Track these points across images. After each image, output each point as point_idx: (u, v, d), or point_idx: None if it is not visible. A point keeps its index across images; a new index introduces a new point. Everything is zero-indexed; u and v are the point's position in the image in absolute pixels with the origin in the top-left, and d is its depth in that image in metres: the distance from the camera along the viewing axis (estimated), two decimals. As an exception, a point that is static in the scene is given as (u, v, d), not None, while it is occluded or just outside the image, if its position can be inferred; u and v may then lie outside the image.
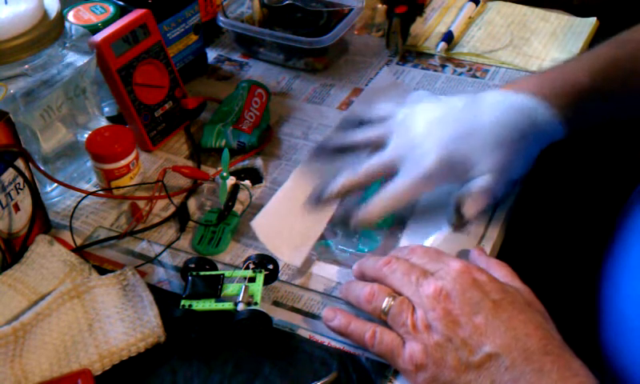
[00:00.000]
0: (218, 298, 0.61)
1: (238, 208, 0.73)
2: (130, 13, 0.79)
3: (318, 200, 0.70)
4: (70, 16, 0.82)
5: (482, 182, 0.66)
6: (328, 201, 0.70)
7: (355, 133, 0.73)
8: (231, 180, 0.74)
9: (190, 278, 0.63)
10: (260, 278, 0.62)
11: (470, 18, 1.01)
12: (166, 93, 0.82)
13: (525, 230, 0.78)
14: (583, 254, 0.74)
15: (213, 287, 0.61)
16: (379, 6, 0.99)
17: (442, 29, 0.99)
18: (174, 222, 0.73)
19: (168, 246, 0.69)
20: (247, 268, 0.63)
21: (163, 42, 0.81)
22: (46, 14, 0.70)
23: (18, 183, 0.65)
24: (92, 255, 0.69)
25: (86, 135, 0.75)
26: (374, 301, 0.58)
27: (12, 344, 0.57)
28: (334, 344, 0.60)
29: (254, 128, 0.81)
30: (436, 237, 0.68)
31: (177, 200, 0.74)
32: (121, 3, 0.84)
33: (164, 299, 0.62)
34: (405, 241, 0.69)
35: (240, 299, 0.60)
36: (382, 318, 0.58)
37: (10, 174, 0.64)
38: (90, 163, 0.76)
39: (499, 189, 0.67)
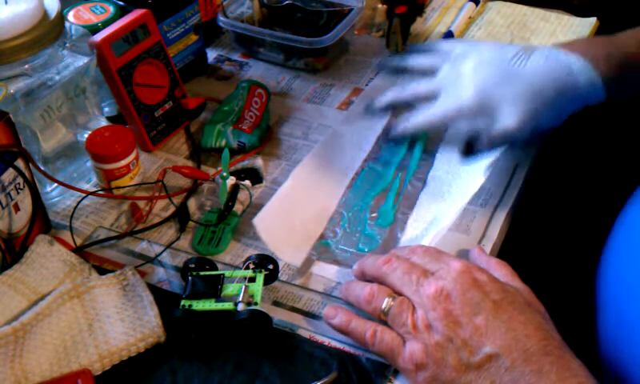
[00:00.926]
0: (218, 297, 0.61)
1: (238, 208, 0.73)
2: (130, 13, 0.79)
3: (368, 109, 0.76)
4: (70, 16, 0.82)
5: (504, 123, 0.67)
6: (377, 111, 0.76)
7: (414, 58, 0.78)
8: (231, 180, 0.74)
9: (190, 277, 0.63)
10: (260, 278, 0.62)
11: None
12: (165, 93, 0.82)
13: (525, 230, 0.78)
14: (583, 254, 0.74)
15: (213, 287, 0.61)
16: (379, 6, 0.99)
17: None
18: (174, 221, 0.73)
19: (168, 246, 0.69)
20: (247, 268, 0.63)
21: (163, 42, 0.81)
22: (46, 14, 0.70)
23: (18, 183, 0.65)
24: (92, 255, 0.69)
25: (86, 135, 0.75)
26: (373, 301, 0.58)
27: (12, 344, 0.57)
28: (334, 344, 0.60)
29: (254, 128, 0.81)
30: (435, 236, 0.68)
31: (177, 200, 0.74)
32: (121, 3, 0.84)
33: (164, 299, 0.62)
34: (404, 241, 0.69)
35: (240, 299, 0.60)
36: (381, 318, 0.58)
37: (9, 173, 0.64)
38: (89, 163, 0.76)
39: (519, 136, 0.68)
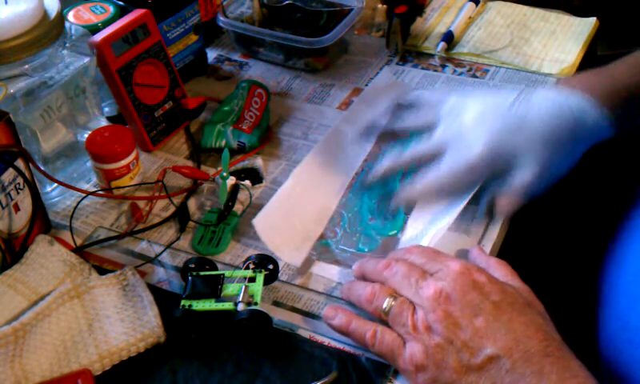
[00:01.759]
0: (218, 298, 0.61)
1: (238, 208, 0.73)
2: (129, 13, 0.79)
3: (362, 185, 0.73)
4: (70, 16, 0.82)
5: (521, 178, 0.66)
6: (373, 182, 0.72)
7: (405, 117, 0.75)
8: (231, 180, 0.74)
9: (189, 278, 0.63)
10: (260, 278, 0.62)
11: (469, 18, 1.01)
12: (165, 93, 0.82)
13: (525, 230, 0.77)
14: (583, 254, 0.74)
15: (213, 287, 0.61)
16: (379, 6, 0.99)
17: (441, 29, 0.99)
18: (174, 222, 0.73)
19: (168, 246, 0.69)
20: (247, 268, 0.63)
21: (163, 42, 0.81)
22: (46, 14, 0.70)
23: (18, 183, 0.65)
24: (92, 255, 0.69)
25: (86, 135, 0.75)
26: (374, 300, 0.58)
27: (12, 344, 0.57)
28: (334, 344, 0.60)
29: (254, 128, 0.81)
30: (434, 235, 0.68)
31: (177, 200, 0.74)
32: (121, 3, 0.84)
33: (164, 299, 0.62)
34: (404, 241, 0.69)
35: (240, 299, 0.60)
36: (382, 318, 0.58)
37: (9, 174, 0.64)
38: (89, 163, 0.76)
39: (538, 187, 0.67)
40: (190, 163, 0.80)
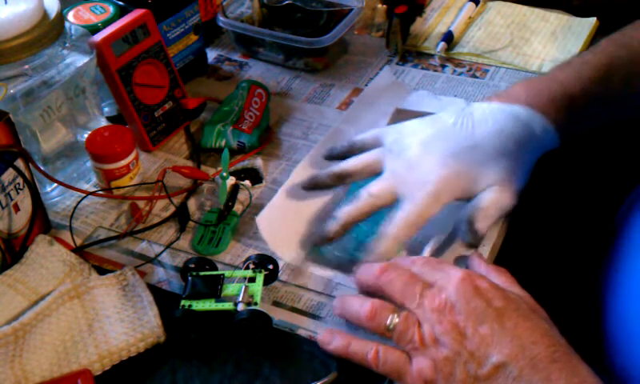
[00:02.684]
0: (218, 298, 0.61)
1: (237, 208, 0.73)
2: (129, 13, 0.79)
3: (314, 243, 0.67)
4: (70, 16, 0.82)
5: (490, 194, 0.65)
6: (330, 240, 0.66)
7: (347, 162, 0.71)
8: (231, 180, 0.74)
9: (189, 278, 0.63)
10: (260, 278, 0.62)
11: (469, 18, 1.01)
12: (165, 93, 0.82)
13: (525, 232, 0.77)
14: (583, 256, 0.73)
15: (213, 287, 0.61)
16: (379, 6, 0.99)
17: (441, 29, 0.99)
18: (174, 222, 0.73)
19: (168, 246, 0.69)
20: (247, 268, 0.63)
21: (163, 42, 0.81)
22: (45, 14, 0.70)
23: (18, 183, 0.65)
24: (92, 255, 0.69)
25: (86, 135, 0.75)
26: (376, 318, 0.56)
27: (12, 344, 0.57)
28: (333, 344, 0.60)
29: (254, 128, 0.81)
30: (433, 243, 0.67)
31: (177, 200, 0.74)
32: (121, 3, 0.84)
33: (164, 299, 0.62)
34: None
35: (240, 299, 0.60)
36: (385, 336, 0.56)
37: (9, 174, 0.64)
38: (89, 163, 0.76)
39: (508, 200, 0.66)
40: (189, 163, 0.80)
